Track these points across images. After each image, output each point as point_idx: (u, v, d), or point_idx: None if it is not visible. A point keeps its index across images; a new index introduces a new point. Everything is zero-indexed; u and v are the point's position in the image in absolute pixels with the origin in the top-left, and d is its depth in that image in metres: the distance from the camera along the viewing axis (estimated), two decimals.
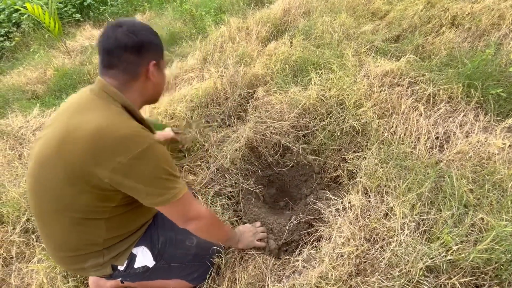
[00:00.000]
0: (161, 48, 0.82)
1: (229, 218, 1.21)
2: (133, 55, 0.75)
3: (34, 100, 2.54)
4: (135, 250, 0.86)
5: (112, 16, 4.18)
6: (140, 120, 0.78)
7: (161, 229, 0.94)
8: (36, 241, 1.27)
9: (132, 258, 0.86)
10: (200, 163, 1.47)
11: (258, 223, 1.14)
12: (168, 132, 1.35)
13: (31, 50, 3.56)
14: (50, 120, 0.79)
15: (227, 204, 1.31)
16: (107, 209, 0.74)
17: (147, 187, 0.69)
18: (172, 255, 0.93)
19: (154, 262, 0.89)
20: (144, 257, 0.87)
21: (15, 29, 4.12)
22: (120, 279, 0.91)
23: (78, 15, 4.33)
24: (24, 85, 2.74)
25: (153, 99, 0.88)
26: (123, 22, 0.76)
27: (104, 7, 4.41)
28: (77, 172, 0.67)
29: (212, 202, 1.28)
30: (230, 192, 1.35)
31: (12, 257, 1.22)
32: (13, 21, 4.22)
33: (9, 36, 4.04)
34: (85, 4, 4.43)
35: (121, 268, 0.85)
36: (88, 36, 3.62)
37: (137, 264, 0.87)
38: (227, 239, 0.99)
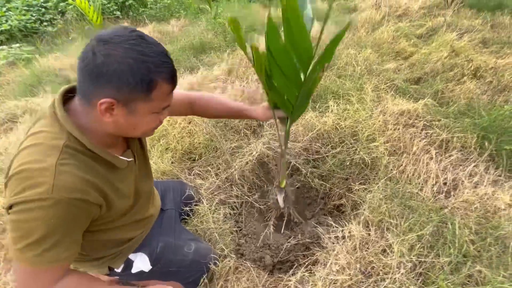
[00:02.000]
0: (135, 89, 0.57)
1: (229, 227, 1.24)
2: (88, 79, 0.56)
3: (65, 85, 2.69)
4: (132, 256, 0.88)
5: (149, 17, 4.43)
6: (91, 149, 0.61)
7: (161, 235, 0.96)
8: None
9: (129, 263, 0.87)
10: (210, 169, 1.52)
11: None
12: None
13: (70, 38, 3.80)
14: None
15: (230, 213, 1.34)
16: None
17: (11, 237, 0.57)
18: (169, 261, 0.94)
19: (150, 267, 0.90)
20: (142, 263, 0.89)
21: (59, 17, 4.42)
22: (116, 277, 0.94)
23: (118, 13, 4.62)
24: (58, 70, 2.91)
25: (126, 135, 0.67)
26: (110, 37, 0.55)
27: (143, 9, 4.70)
28: None
29: (216, 209, 1.31)
30: (235, 202, 1.39)
31: None
32: (59, 9, 4.54)
33: (53, 22, 4.34)
34: (127, 3, 4.73)
35: (117, 270, 0.86)
36: None
37: (134, 270, 0.88)
38: None
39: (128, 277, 0.92)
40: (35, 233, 0.54)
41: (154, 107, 0.62)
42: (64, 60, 3.07)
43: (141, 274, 0.91)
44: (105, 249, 0.80)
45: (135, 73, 0.55)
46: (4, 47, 3.45)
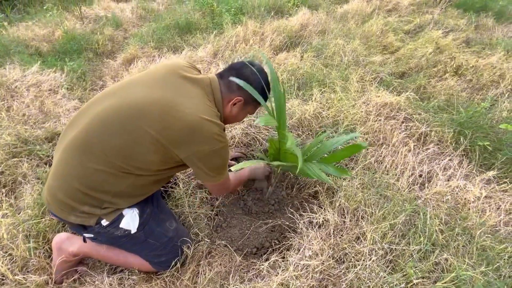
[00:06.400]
0: (256, 100, 0.94)
1: (205, 211, 1.20)
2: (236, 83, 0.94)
3: (36, 56, 2.49)
4: (125, 211, 0.88)
5: None
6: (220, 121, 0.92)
7: (149, 203, 0.97)
8: (6, 195, 1.24)
9: (119, 217, 0.87)
10: None
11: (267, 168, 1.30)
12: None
13: (45, 7, 3.50)
14: (136, 77, 0.90)
15: (206, 198, 1.30)
16: (152, 170, 0.85)
17: (210, 171, 0.89)
18: (152, 230, 0.95)
19: (136, 230, 0.90)
20: (132, 221, 0.88)
21: None
22: (91, 235, 0.89)
23: None
24: (29, 40, 2.69)
25: (227, 121, 1.04)
26: (257, 64, 0.99)
27: None
28: (164, 144, 0.80)
29: (192, 193, 1.27)
30: None
31: None
32: None
33: None
34: None
35: (104, 223, 0.85)
36: (105, 6, 3.59)
37: (122, 225, 0.87)
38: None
39: (106, 237, 0.90)
40: (225, 162, 0.93)
41: (251, 111, 1.06)
42: (36, 31, 2.83)
43: (123, 237, 0.90)
44: (148, 190, 0.92)
45: (262, 93, 0.96)
46: None
